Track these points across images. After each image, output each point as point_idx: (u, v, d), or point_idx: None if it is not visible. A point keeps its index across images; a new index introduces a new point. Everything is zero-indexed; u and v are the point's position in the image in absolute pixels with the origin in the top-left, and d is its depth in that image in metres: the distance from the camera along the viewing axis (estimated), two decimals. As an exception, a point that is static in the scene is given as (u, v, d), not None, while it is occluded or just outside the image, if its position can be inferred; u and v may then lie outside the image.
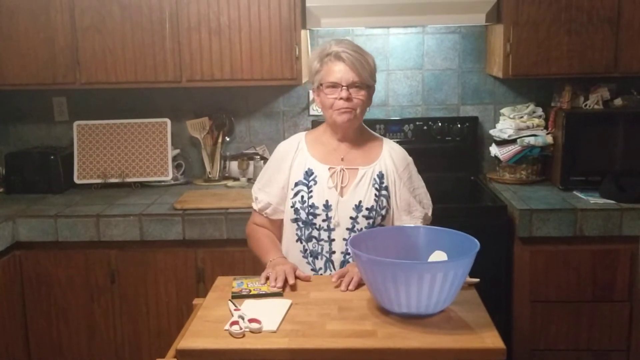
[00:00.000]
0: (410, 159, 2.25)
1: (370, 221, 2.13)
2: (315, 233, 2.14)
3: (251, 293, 1.91)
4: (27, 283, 2.95)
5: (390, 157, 2.20)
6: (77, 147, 3.39)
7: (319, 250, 2.14)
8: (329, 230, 2.13)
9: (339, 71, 2.09)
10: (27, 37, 3.12)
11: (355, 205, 2.13)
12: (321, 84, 2.13)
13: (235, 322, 1.69)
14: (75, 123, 3.42)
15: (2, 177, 3.39)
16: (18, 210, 2.97)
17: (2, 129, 3.60)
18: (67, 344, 3.00)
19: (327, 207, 2.13)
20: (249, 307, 1.79)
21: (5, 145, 3.55)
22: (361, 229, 2.12)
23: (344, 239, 2.12)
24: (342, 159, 2.18)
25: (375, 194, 2.14)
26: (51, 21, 3.11)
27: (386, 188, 2.16)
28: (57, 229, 2.89)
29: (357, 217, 2.12)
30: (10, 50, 3.14)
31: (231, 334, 1.65)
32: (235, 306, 1.81)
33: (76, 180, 3.37)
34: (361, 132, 2.24)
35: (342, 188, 2.14)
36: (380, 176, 2.16)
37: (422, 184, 2.26)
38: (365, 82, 2.10)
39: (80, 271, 2.94)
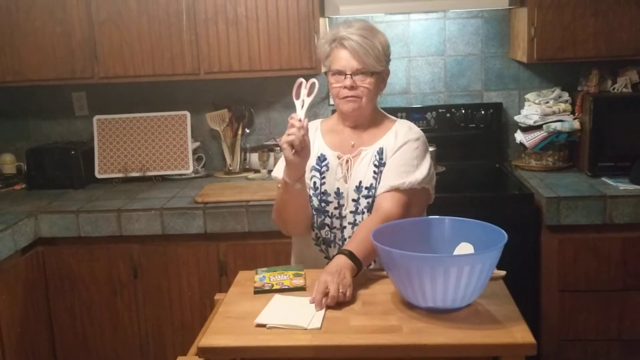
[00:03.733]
0: (415, 136, 2.09)
1: (370, 200, 2.06)
2: (327, 221, 2.11)
3: (274, 288, 1.87)
4: (50, 279, 2.96)
5: (395, 133, 2.12)
6: (98, 142, 3.39)
7: (332, 238, 2.11)
8: (341, 218, 2.10)
9: (343, 58, 2.03)
10: (44, 33, 3.12)
11: (356, 186, 2.08)
12: (329, 71, 2.09)
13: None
14: (95, 117, 3.42)
15: (24, 173, 3.41)
16: (40, 206, 2.97)
17: (22, 125, 3.61)
18: (91, 339, 3.01)
19: (338, 194, 2.10)
20: (279, 302, 1.76)
21: (26, 141, 3.56)
22: (363, 210, 2.07)
23: (350, 223, 2.09)
24: (353, 145, 2.13)
25: (374, 171, 2.08)
26: (68, 16, 3.10)
27: (384, 164, 2.08)
28: (79, 225, 2.88)
29: (358, 198, 2.08)
30: (28, 46, 3.13)
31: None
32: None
33: (97, 175, 3.36)
34: (374, 117, 2.17)
35: (350, 176, 2.11)
36: (380, 152, 2.09)
37: (419, 162, 2.06)
38: (370, 69, 2.02)
39: (103, 266, 2.94)
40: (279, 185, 2.13)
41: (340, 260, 1.84)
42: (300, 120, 1.92)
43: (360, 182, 2.08)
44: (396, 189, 2.02)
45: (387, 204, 2.00)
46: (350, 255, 1.85)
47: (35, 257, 2.90)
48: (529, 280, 2.85)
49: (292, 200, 2.04)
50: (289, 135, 1.91)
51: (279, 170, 2.16)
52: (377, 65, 2.04)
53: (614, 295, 2.76)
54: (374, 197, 2.06)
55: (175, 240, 2.90)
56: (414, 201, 2.07)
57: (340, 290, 1.74)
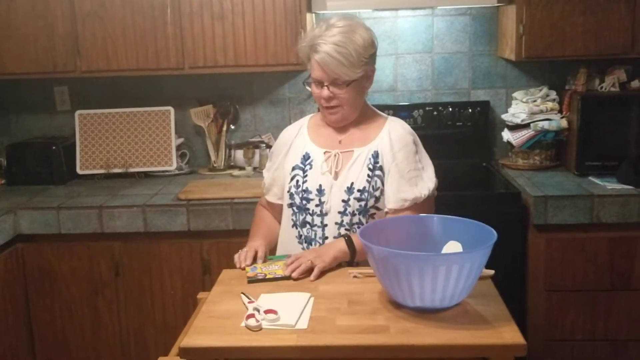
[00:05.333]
0: (411, 138, 2.08)
1: (362, 203, 2.04)
2: (308, 218, 2.09)
3: (267, 277, 1.87)
4: (30, 276, 2.90)
5: (389, 135, 2.08)
6: (80, 137, 3.33)
7: (313, 236, 2.08)
8: (322, 215, 2.07)
9: (317, 69, 2.00)
10: (26, 25, 3.05)
11: (347, 187, 2.05)
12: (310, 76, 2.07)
13: (252, 315, 1.62)
14: (77, 112, 3.36)
15: (4, 169, 3.34)
16: (20, 202, 2.91)
17: (3, 119, 3.54)
18: (71, 338, 2.95)
19: (320, 191, 2.07)
20: (265, 301, 1.72)
21: (7, 136, 3.49)
22: (353, 211, 2.04)
23: (336, 223, 2.05)
24: (340, 142, 2.11)
25: (368, 174, 2.05)
26: (50, 8, 3.04)
27: (380, 168, 2.06)
28: (59, 221, 2.83)
29: (348, 199, 2.05)
30: (9, 38, 3.07)
31: (248, 328, 1.59)
32: (249, 299, 1.74)
33: (79, 171, 3.30)
34: (364, 113, 2.14)
35: (336, 172, 2.07)
36: (375, 155, 2.06)
37: (423, 164, 2.08)
38: (344, 78, 1.98)
39: (84, 264, 2.89)
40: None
41: (335, 242, 2.01)
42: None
43: (352, 183, 2.05)
44: (415, 202, 2.04)
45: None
46: (348, 240, 1.97)
47: (14, 255, 2.84)
48: (515, 280, 2.83)
49: None
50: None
51: (265, 172, 2.24)
52: (351, 74, 1.99)
53: (601, 295, 2.75)
54: (367, 200, 2.04)
55: (157, 237, 2.85)
56: (430, 202, 2.10)
57: (311, 261, 1.91)
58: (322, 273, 1.91)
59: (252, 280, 1.89)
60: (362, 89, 2.07)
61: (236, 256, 2.05)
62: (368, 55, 2.02)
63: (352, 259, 1.98)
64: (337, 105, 2.04)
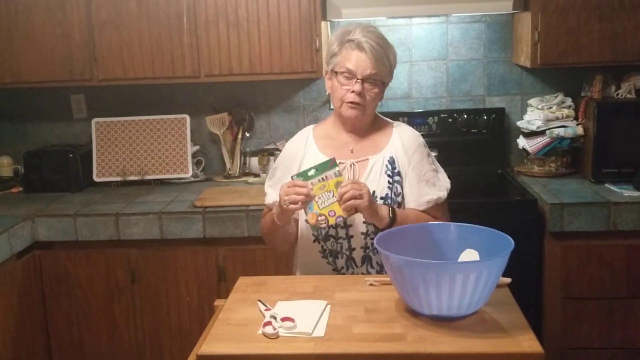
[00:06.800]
0: (421, 140, 2.12)
1: None
2: (332, 232, 2.06)
3: (330, 223, 1.92)
4: (47, 283, 2.92)
5: (400, 140, 2.09)
6: (96, 145, 3.36)
7: (339, 249, 2.06)
8: (346, 227, 2.05)
9: (358, 60, 1.99)
10: (44, 34, 3.09)
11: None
12: (336, 71, 2.04)
13: (269, 323, 1.62)
14: (94, 120, 3.39)
15: (21, 176, 3.37)
16: (37, 209, 2.94)
17: (20, 127, 3.57)
18: (87, 344, 2.97)
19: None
20: (282, 308, 1.72)
21: (24, 144, 3.53)
22: None
23: (362, 233, 2.05)
24: (352, 151, 2.09)
25: (389, 181, 2.05)
26: (67, 17, 3.07)
27: (399, 173, 2.07)
28: (76, 228, 2.85)
29: None
30: (27, 47, 3.10)
31: (265, 335, 1.59)
32: (266, 306, 1.74)
33: (95, 179, 3.33)
34: (373, 121, 2.14)
35: None
36: (392, 161, 2.07)
37: (436, 166, 2.13)
38: (382, 78, 2.02)
39: (100, 270, 2.90)
40: (269, 209, 2.16)
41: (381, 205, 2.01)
42: (305, 187, 1.92)
43: (374, 192, 2.03)
44: (436, 203, 2.08)
45: (436, 215, 2.08)
46: (392, 210, 1.99)
47: (31, 261, 2.86)
48: (531, 288, 2.82)
49: (281, 231, 2.09)
50: (290, 197, 1.91)
51: (271, 198, 2.16)
52: (387, 76, 2.04)
53: (618, 303, 2.73)
54: (390, 207, 2.03)
55: (173, 245, 2.87)
56: (446, 204, 2.15)
57: (361, 195, 1.89)
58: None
59: (316, 228, 1.99)
60: (379, 98, 2.08)
61: (286, 197, 1.91)
62: (394, 68, 2.07)
63: (392, 221, 1.97)
64: (362, 104, 2.02)
